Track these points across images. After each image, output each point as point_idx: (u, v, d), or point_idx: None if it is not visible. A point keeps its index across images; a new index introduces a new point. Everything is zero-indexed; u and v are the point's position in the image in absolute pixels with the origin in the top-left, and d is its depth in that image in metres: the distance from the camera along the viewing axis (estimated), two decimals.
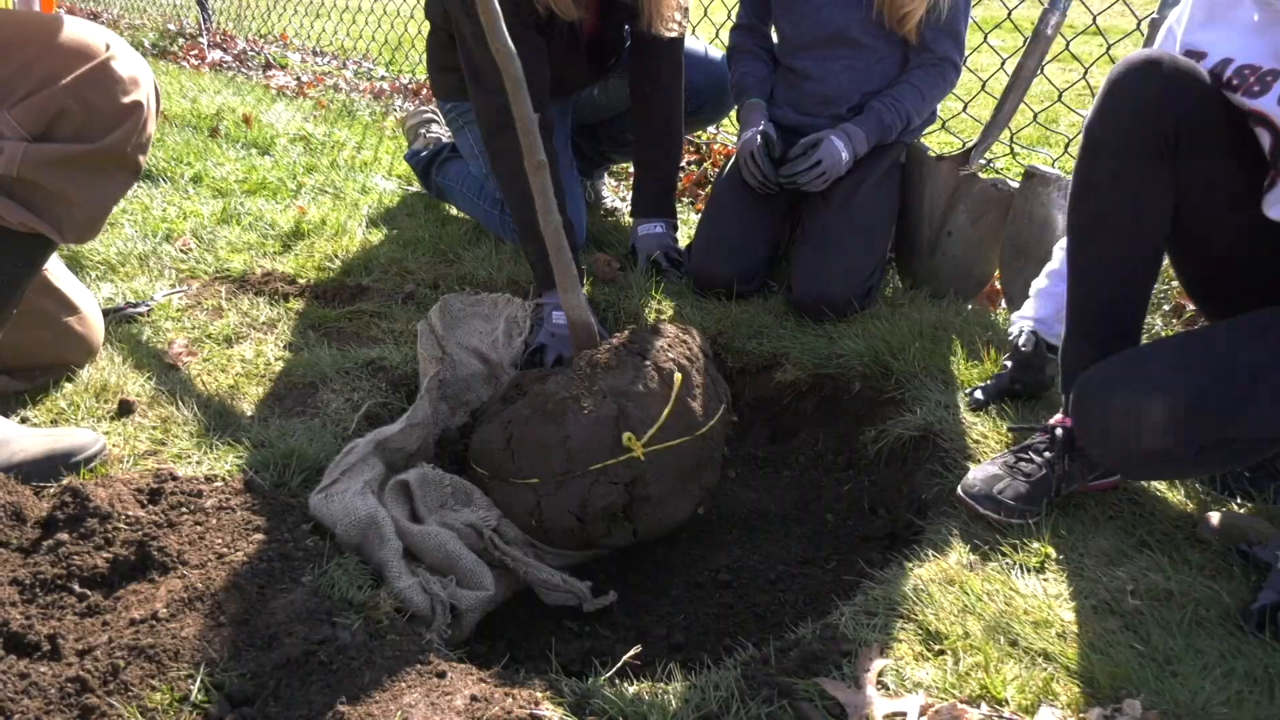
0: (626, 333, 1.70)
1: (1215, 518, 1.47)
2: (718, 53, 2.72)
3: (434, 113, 3.29)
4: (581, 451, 1.50)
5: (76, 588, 1.27)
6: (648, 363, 1.58)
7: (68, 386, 1.83)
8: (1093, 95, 2.74)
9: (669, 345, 1.65)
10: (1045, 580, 1.37)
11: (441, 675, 1.19)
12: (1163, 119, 1.39)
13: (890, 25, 2.23)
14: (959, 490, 1.54)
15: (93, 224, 1.52)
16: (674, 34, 2.32)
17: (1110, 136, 1.46)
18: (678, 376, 1.58)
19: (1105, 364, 1.45)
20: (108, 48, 1.43)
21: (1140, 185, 1.45)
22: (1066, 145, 3.01)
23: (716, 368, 1.78)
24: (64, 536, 1.33)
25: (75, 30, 1.42)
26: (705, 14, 3.77)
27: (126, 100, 1.44)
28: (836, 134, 2.24)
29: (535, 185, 1.62)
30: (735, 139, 3.10)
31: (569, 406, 1.53)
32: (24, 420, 1.72)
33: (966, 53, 2.78)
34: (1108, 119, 1.46)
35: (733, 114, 3.06)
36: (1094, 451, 1.47)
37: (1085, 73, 2.84)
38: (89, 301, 1.89)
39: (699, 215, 2.65)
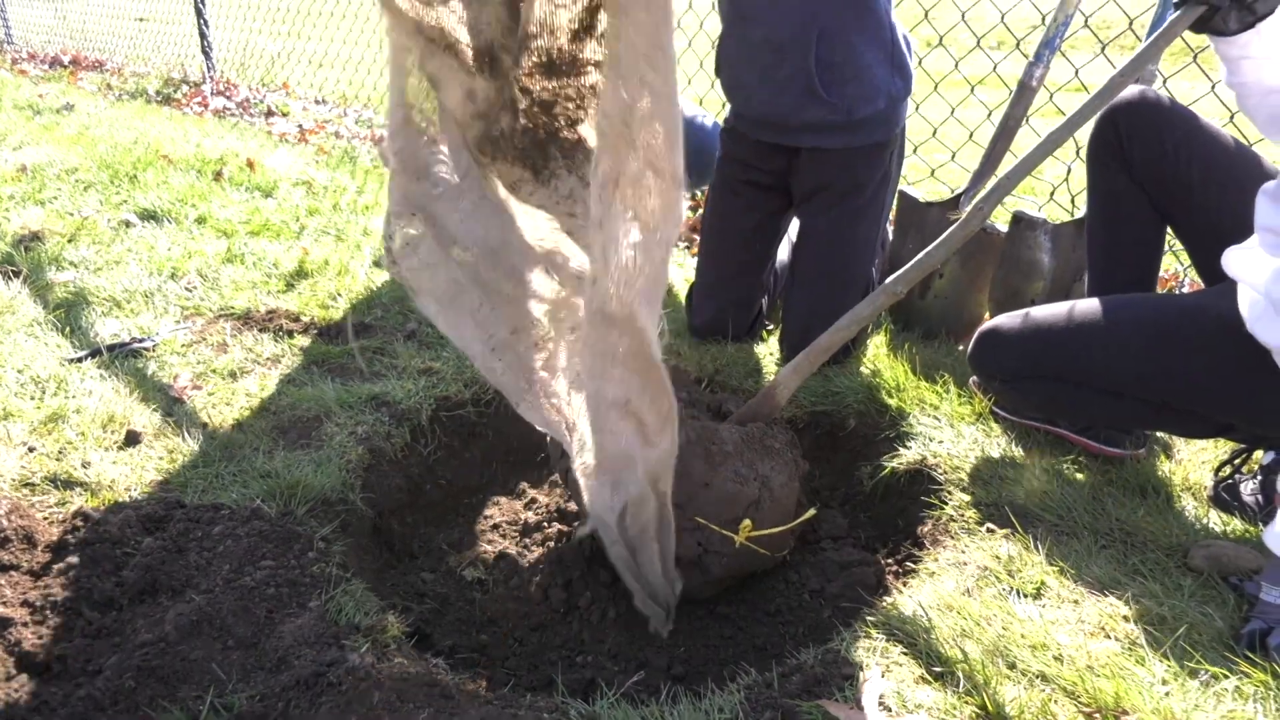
0: (791, 434, 1.77)
1: (1205, 548, 1.51)
2: (705, 118, 2.74)
3: None
4: (706, 502, 1.55)
5: (86, 610, 1.28)
6: (796, 483, 1.66)
7: (74, 418, 1.85)
8: (1078, 147, 2.83)
9: (803, 477, 1.74)
10: (1042, 606, 1.40)
11: (449, 696, 1.20)
12: (1111, 126, 1.80)
13: None
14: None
15: None
16: None
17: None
18: (811, 511, 1.68)
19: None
20: None
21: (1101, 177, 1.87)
22: (1052, 193, 3.09)
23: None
24: (74, 560, 1.34)
25: None
26: (690, 82, 3.86)
27: None
28: None
29: None
30: None
31: (729, 464, 1.57)
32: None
33: (954, 104, 2.85)
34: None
35: None
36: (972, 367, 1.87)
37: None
38: None
39: (695, 259, 2.69)
